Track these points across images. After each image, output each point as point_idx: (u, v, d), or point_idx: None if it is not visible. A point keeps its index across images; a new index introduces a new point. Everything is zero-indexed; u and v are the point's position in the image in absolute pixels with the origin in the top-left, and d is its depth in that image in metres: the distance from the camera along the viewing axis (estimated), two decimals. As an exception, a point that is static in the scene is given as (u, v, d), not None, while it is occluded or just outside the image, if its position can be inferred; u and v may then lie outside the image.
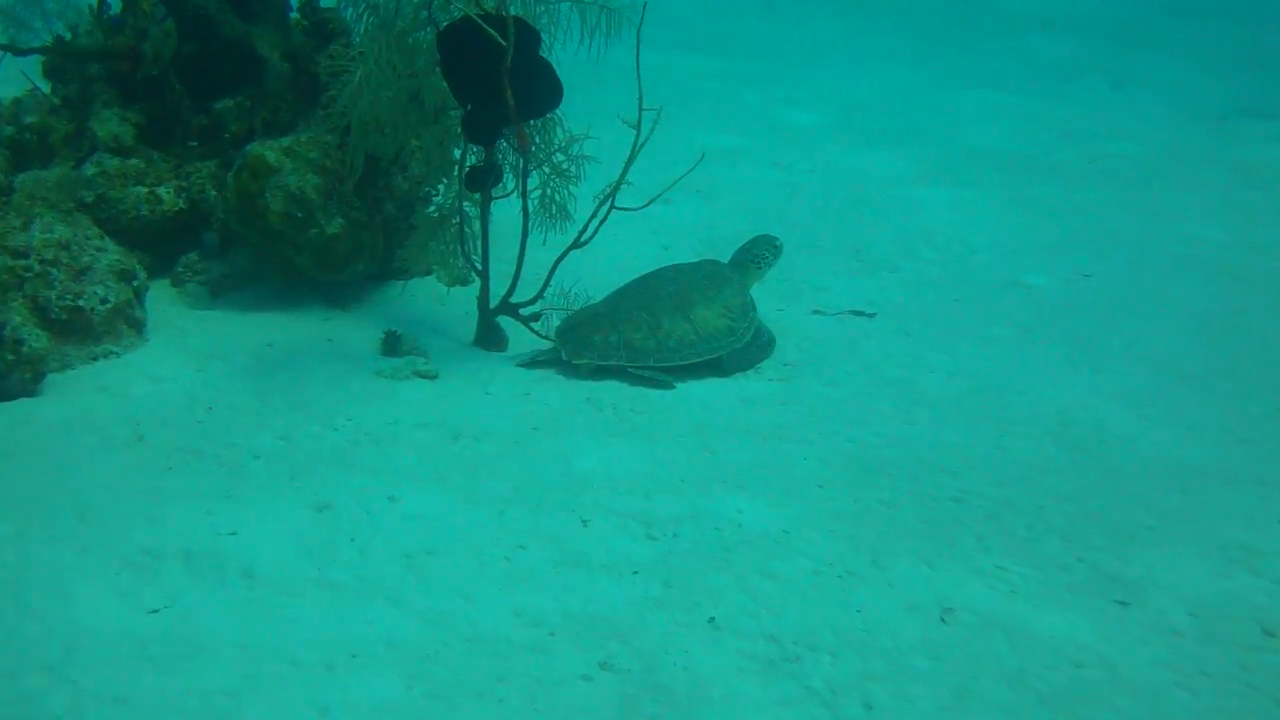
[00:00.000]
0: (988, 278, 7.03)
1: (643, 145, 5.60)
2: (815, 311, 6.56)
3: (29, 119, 6.66)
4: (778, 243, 6.34)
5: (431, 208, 6.43)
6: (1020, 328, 6.38)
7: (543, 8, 5.61)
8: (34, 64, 7.15)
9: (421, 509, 4.39)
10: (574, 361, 5.64)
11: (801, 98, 10.99)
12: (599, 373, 5.64)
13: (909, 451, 5.01)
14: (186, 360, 5.52)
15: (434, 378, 5.54)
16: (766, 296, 6.64)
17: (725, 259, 6.42)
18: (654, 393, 5.52)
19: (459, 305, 6.35)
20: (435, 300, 6.45)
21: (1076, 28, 14.15)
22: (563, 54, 5.55)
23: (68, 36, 7.16)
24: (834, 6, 14.76)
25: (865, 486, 4.73)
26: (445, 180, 6.10)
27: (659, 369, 5.63)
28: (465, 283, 6.51)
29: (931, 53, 12.92)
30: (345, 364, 5.59)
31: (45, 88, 7.19)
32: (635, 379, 5.60)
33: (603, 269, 6.60)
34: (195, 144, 6.84)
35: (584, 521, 4.40)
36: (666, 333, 5.70)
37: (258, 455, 4.74)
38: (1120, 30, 14.12)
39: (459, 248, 5.96)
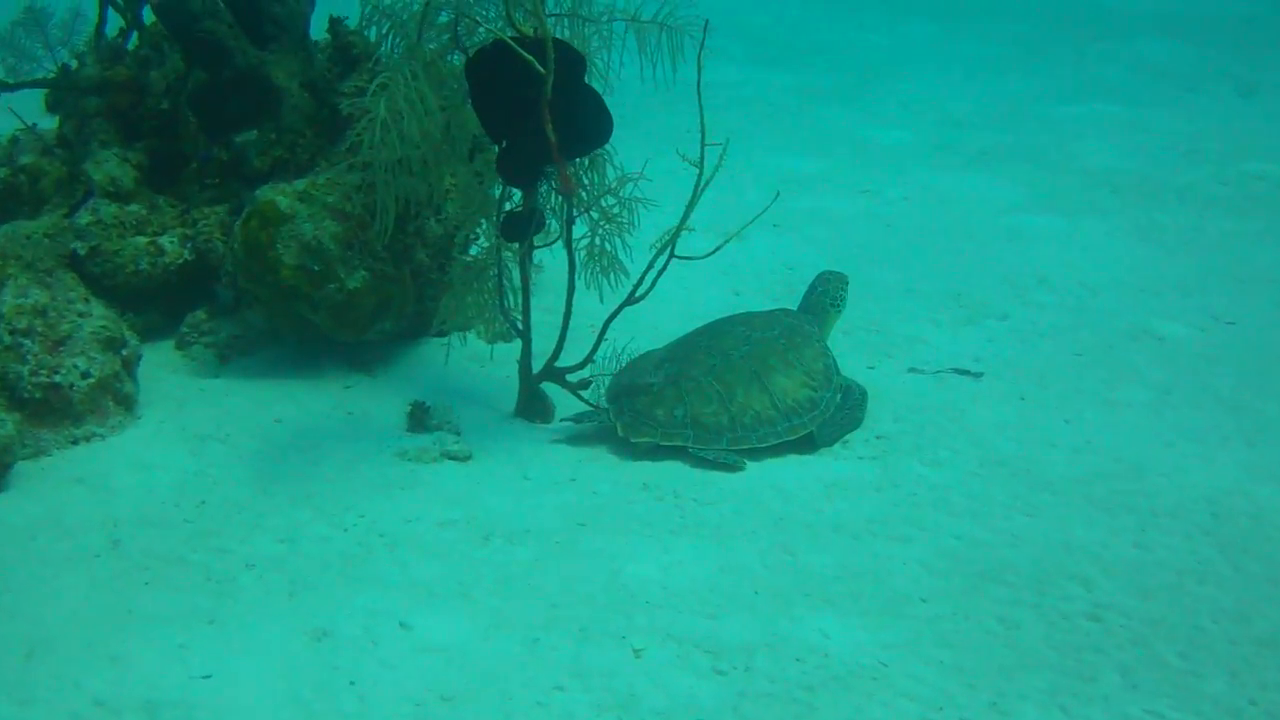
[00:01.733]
0: (1112, 326, 6.30)
1: (706, 185, 4.95)
2: (912, 370, 5.88)
3: (24, 159, 6.18)
4: (846, 277, 5.77)
5: (472, 253, 5.86)
6: (1155, 389, 5.65)
7: (592, 29, 5.02)
8: (36, 97, 6.70)
9: (439, 638, 3.77)
10: (631, 440, 5.01)
11: (890, 114, 10.30)
12: (658, 449, 5.01)
13: (1030, 553, 4.33)
14: (181, 442, 4.96)
15: (466, 459, 4.95)
16: (855, 351, 5.99)
17: (806, 304, 5.79)
18: (723, 476, 4.88)
19: (501, 366, 5.76)
20: (474, 360, 5.86)
21: (1195, 29, 13.30)
22: (623, 72, 5.00)
23: (74, 65, 6.71)
24: (925, 12, 14.03)
25: (979, 599, 4.06)
26: (484, 223, 5.52)
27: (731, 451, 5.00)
28: (509, 339, 5.90)
29: (1034, 60, 12.16)
30: (364, 443, 5.00)
31: (54, 123, 6.74)
32: (700, 459, 4.97)
33: (664, 321, 5.98)
34: (215, 181, 6.33)
35: (636, 651, 3.76)
36: (741, 407, 5.06)
37: (252, 564, 4.15)
38: (1244, 31, 13.26)
39: (497, 302, 5.37)
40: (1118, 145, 9.39)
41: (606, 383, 5.38)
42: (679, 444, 4.99)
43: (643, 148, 5.21)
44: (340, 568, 4.14)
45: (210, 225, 5.91)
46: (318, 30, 6.37)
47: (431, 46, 4.89)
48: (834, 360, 5.37)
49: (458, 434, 5.15)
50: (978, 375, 5.79)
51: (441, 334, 5.95)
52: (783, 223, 7.64)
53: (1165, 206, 8.05)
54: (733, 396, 5.09)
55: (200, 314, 5.83)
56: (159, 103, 6.31)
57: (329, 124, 5.99)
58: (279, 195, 5.48)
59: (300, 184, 5.57)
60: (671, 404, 5.07)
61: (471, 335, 5.94)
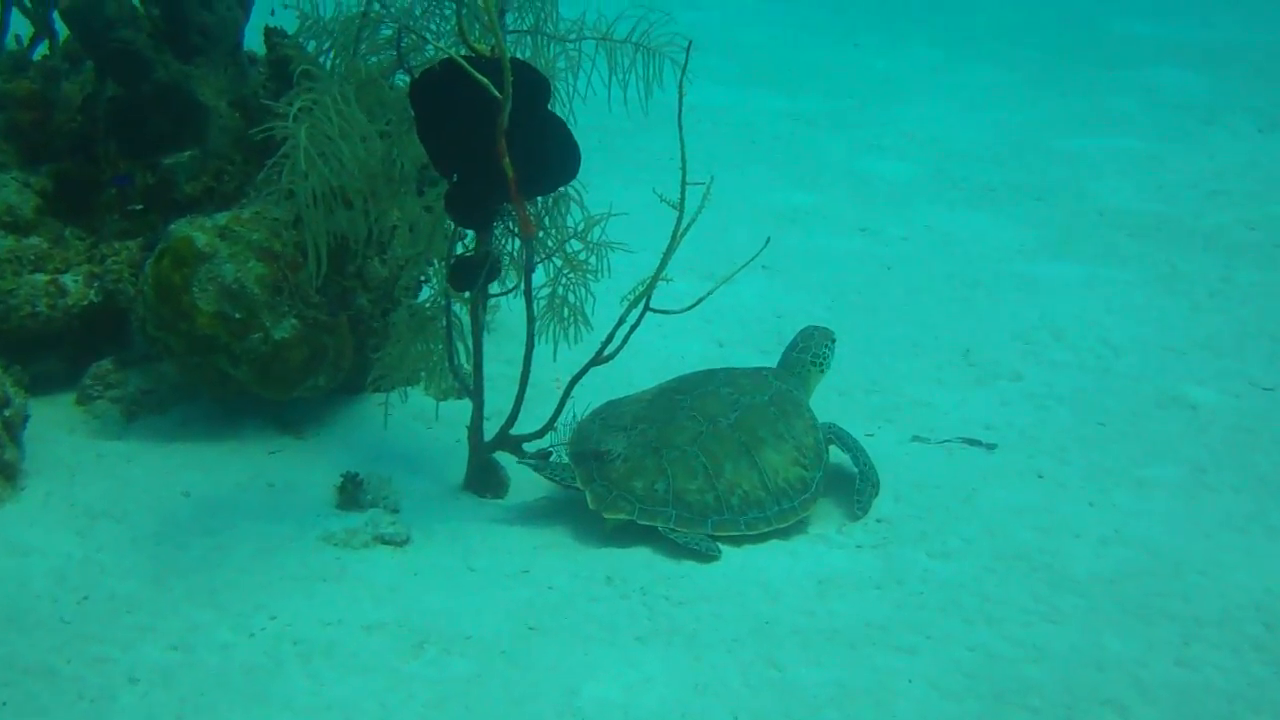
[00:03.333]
0: (1138, 391, 5.80)
1: (687, 229, 4.43)
2: (916, 439, 5.37)
3: (-82, 182, 5.63)
4: (832, 335, 5.27)
5: (422, 296, 5.34)
6: (1188, 465, 5.15)
7: (558, 48, 4.51)
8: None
9: (351, 785, 3.22)
10: (604, 515, 4.48)
11: (890, 144, 9.79)
12: (628, 527, 4.48)
13: (1056, 670, 3.83)
14: (69, 520, 4.41)
15: (403, 544, 4.41)
16: (852, 415, 5.48)
17: (798, 358, 5.28)
18: (698, 567, 4.35)
19: (449, 428, 5.23)
20: (419, 420, 5.34)
21: (1210, 59, 12.83)
22: (591, 95, 4.52)
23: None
24: (926, 35, 13.53)
25: (998, 731, 3.53)
26: (436, 263, 5.00)
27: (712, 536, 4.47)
28: (460, 395, 5.36)
29: (1042, 89, 11.67)
30: (285, 524, 4.46)
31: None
32: (672, 541, 4.44)
33: (638, 375, 5.46)
34: (140, 207, 5.79)
35: (591, 799, 3.22)
36: (728, 485, 4.55)
37: (136, 678, 3.61)
38: (1264, 61, 12.79)
39: (446, 358, 4.84)
40: (1135, 183, 8.90)
41: (570, 433, 4.85)
42: (657, 524, 4.46)
43: (614, 179, 4.70)
44: (242, 684, 3.60)
45: (121, 262, 5.37)
46: (255, 40, 5.86)
47: (373, 60, 4.35)
48: (822, 433, 4.86)
49: (395, 511, 4.62)
50: (990, 447, 5.28)
51: (382, 385, 5.39)
52: (773, 264, 7.12)
53: (1189, 254, 7.55)
54: (720, 472, 4.57)
55: (106, 364, 5.28)
56: (71, 120, 5.77)
57: (261, 148, 5.43)
58: (196, 231, 4.95)
59: (222, 218, 5.04)
60: (652, 476, 4.55)
61: (416, 390, 5.41)
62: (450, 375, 4.87)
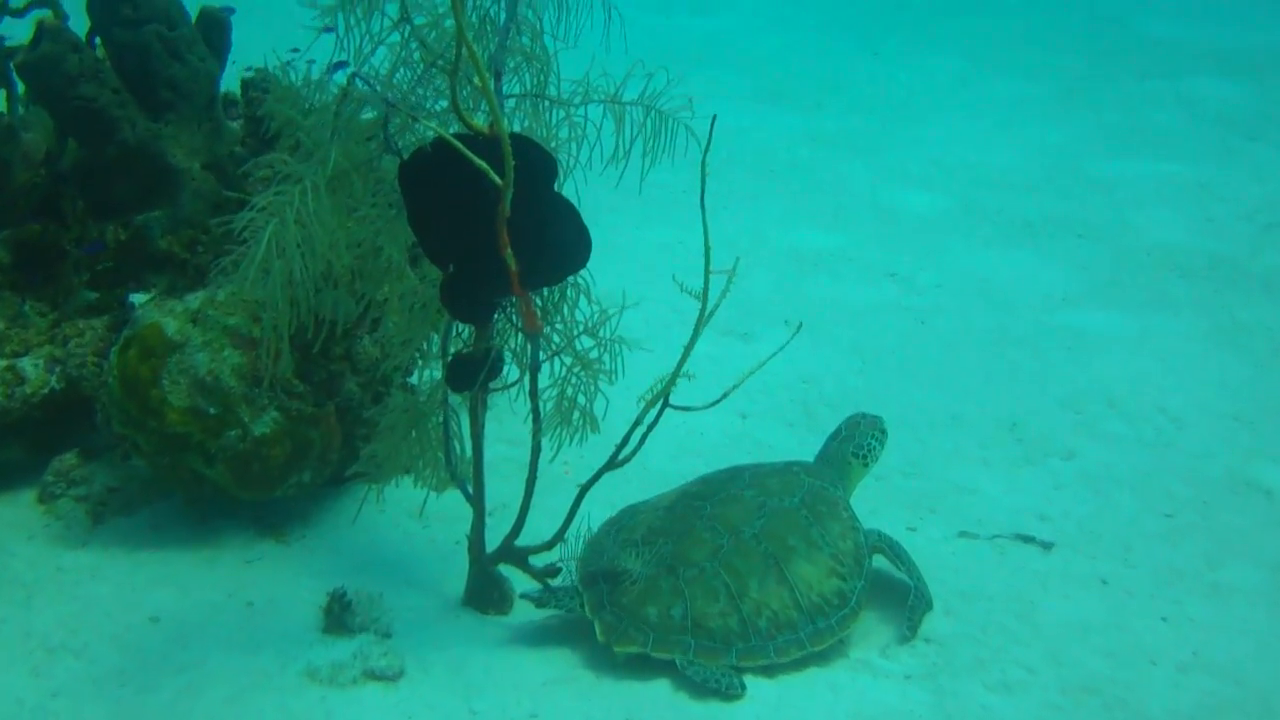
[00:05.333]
0: (1205, 473, 5.40)
1: (710, 316, 4.03)
2: (963, 534, 4.98)
3: None
4: (882, 425, 4.80)
5: (414, 378, 4.96)
6: (1269, 566, 4.78)
7: (561, 113, 4.10)
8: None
9: None
10: (615, 648, 4.09)
11: (916, 170, 9.37)
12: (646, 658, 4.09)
13: (1140, 842, 3.42)
14: (24, 655, 4.01)
15: (395, 679, 4.02)
16: (891, 504, 5.12)
17: (829, 428, 4.90)
18: (725, 708, 3.95)
19: (446, 525, 4.86)
20: (413, 517, 4.93)
21: (1252, 66, 12.38)
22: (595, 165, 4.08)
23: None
24: (949, 45, 13.05)
25: None
26: (423, 350, 4.62)
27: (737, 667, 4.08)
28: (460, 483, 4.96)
29: (1075, 102, 11.23)
30: (264, 655, 4.07)
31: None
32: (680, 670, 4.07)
33: (654, 458, 5.00)
34: (109, 265, 5.43)
35: None
36: (755, 605, 4.15)
37: None
38: (1310, 68, 12.38)
39: (442, 456, 4.44)
40: (1183, 215, 8.48)
41: (581, 549, 4.45)
42: (674, 657, 4.06)
43: (627, 219, 4.28)
44: None
45: (85, 344, 4.97)
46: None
47: (339, 155, 3.90)
48: (864, 535, 4.45)
49: (387, 636, 4.22)
50: (1047, 546, 4.88)
51: (373, 476, 4.98)
52: (796, 318, 6.70)
53: (1249, 300, 7.15)
54: (745, 591, 4.17)
55: (70, 458, 4.89)
56: (34, 176, 5.39)
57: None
58: (166, 317, 4.56)
59: (194, 300, 4.64)
60: (668, 599, 4.15)
61: (408, 479, 5.02)
62: (448, 479, 4.47)
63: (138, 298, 5.44)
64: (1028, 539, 4.92)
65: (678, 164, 4.04)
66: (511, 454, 5.12)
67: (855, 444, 4.72)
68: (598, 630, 4.13)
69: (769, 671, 4.12)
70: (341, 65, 4.11)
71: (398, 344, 4.50)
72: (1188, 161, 9.63)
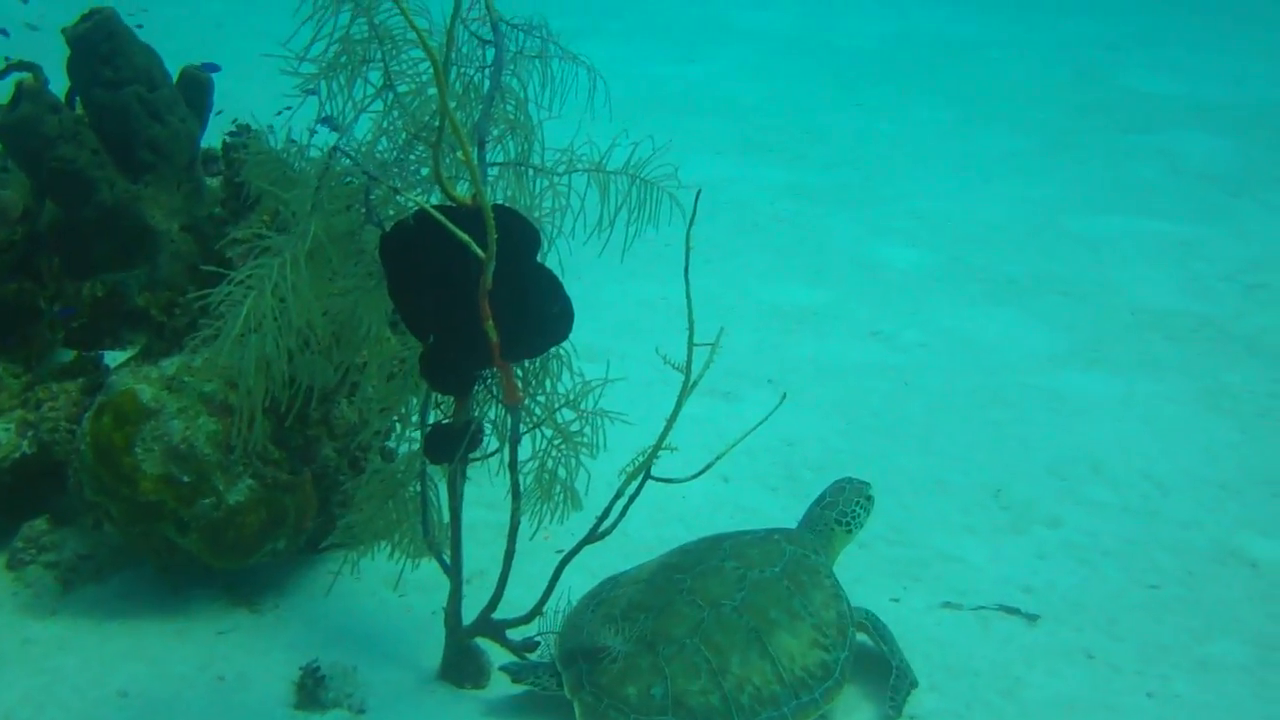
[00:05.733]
0: (1191, 544, 5.37)
1: (693, 388, 3.99)
2: (947, 605, 4.93)
3: None
4: (869, 491, 4.74)
5: (392, 441, 4.90)
6: (1255, 643, 4.73)
7: (545, 181, 4.07)
8: None
9: None
10: None
11: (900, 226, 9.36)
12: (625, 736, 4.04)
13: None
14: (-14, 736, 3.94)
15: (369, 759, 3.94)
16: (874, 572, 5.08)
17: (813, 491, 4.85)
18: (709, 789, 3.89)
19: (423, 595, 4.78)
20: (389, 587, 4.86)
21: (1234, 122, 12.43)
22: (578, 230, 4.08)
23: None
24: (934, 95, 13.07)
25: None
26: (402, 414, 4.56)
27: None
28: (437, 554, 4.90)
29: (1059, 156, 11.26)
30: (235, 733, 3.99)
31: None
32: (663, 754, 4.01)
33: (636, 530, 5.00)
34: (84, 321, 5.39)
35: None
36: (737, 682, 4.09)
37: None
38: (1291, 125, 12.43)
39: (419, 527, 4.39)
40: (1167, 274, 8.48)
41: (560, 621, 4.38)
42: None
43: (609, 277, 4.22)
44: None
45: (59, 409, 4.91)
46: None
47: (321, 228, 3.85)
48: (847, 604, 4.40)
49: (361, 712, 4.17)
50: (1032, 618, 4.83)
51: (349, 545, 4.91)
52: (780, 378, 6.70)
53: (1234, 362, 7.14)
54: (726, 667, 4.11)
55: (40, 524, 4.81)
56: (11, 233, 5.34)
57: (217, 280, 5.00)
58: (140, 383, 4.51)
59: (170, 366, 4.59)
60: (648, 678, 4.09)
61: (385, 549, 4.95)
62: (425, 547, 4.42)
63: (115, 356, 5.41)
64: (1012, 611, 4.88)
65: (661, 217, 4.04)
66: (490, 518, 5.03)
67: (839, 510, 4.68)
68: (577, 711, 4.06)
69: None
70: (328, 120, 4.09)
71: (375, 411, 4.45)
72: (1171, 218, 9.65)
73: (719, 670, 4.10)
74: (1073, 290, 8.21)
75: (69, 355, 5.34)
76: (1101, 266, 8.64)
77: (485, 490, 5.05)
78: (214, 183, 5.76)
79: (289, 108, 4.05)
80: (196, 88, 5.40)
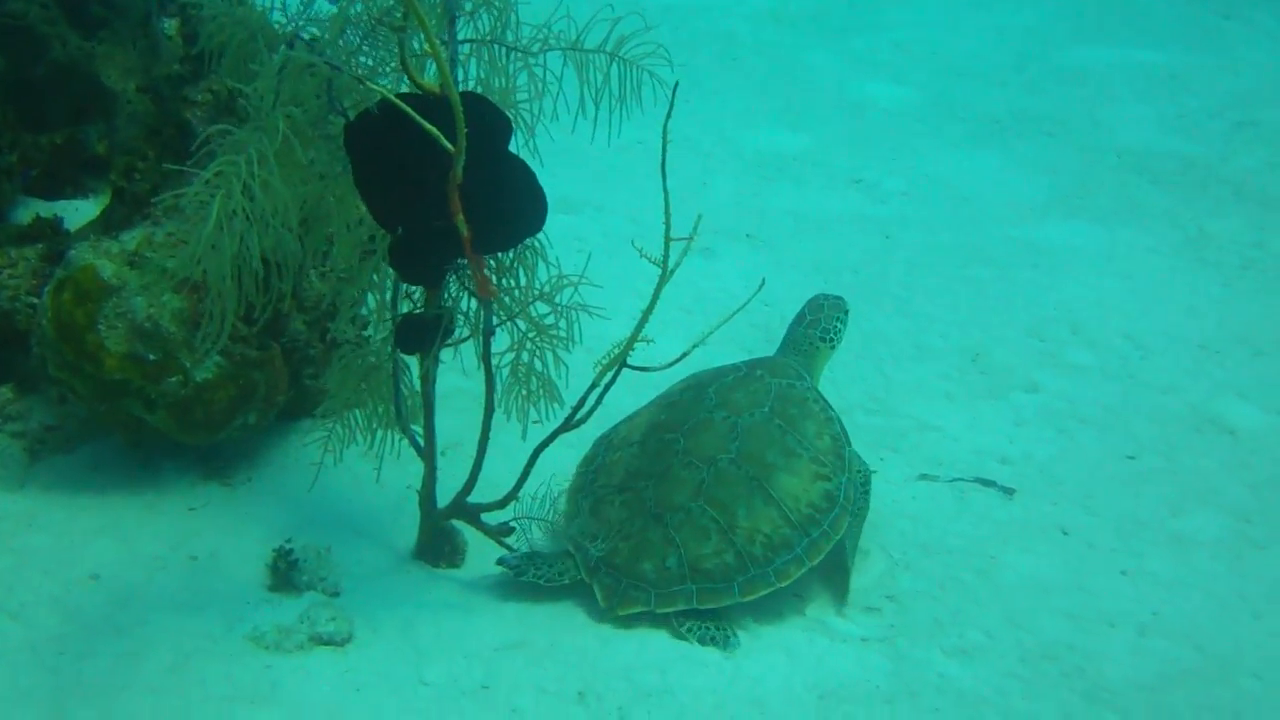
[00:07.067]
0: (1169, 409, 5.37)
1: (667, 279, 3.92)
2: (924, 477, 4.93)
3: None
4: (845, 305, 4.79)
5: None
6: (1231, 514, 4.76)
7: (519, 63, 3.90)
8: None
9: None
10: (618, 613, 4.08)
11: (883, 59, 9.14)
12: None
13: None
14: (-46, 620, 3.92)
15: (344, 644, 3.95)
16: (853, 443, 5.01)
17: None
18: (694, 671, 3.92)
19: (398, 466, 4.70)
20: (365, 458, 4.79)
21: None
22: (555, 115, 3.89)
23: None
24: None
25: None
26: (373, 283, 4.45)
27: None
28: (413, 420, 4.83)
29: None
30: (208, 616, 3.99)
31: None
32: (676, 632, 4.04)
33: (613, 404, 4.91)
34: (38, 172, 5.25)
35: None
36: (747, 534, 4.12)
37: None
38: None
39: (393, 409, 4.33)
40: (1155, 112, 8.33)
41: (534, 530, 4.34)
42: (678, 608, 4.06)
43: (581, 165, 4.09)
44: None
45: (19, 275, 4.78)
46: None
47: (280, 120, 3.66)
48: (839, 424, 4.43)
49: (335, 594, 4.16)
50: (1009, 492, 4.84)
51: (321, 414, 4.85)
52: (757, 232, 6.61)
53: (1219, 208, 7.05)
54: (734, 523, 4.13)
55: (6, 392, 4.74)
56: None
57: (176, 143, 4.84)
58: (101, 259, 4.39)
59: (131, 241, 4.46)
60: (661, 551, 4.12)
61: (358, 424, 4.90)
62: (398, 429, 4.36)
63: (78, 207, 5.29)
64: (988, 483, 4.88)
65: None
66: (465, 385, 4.94)
67: (822, 328, 4.71)
68: (599, 596, 4.12)
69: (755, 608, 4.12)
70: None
71: (342, 280, 4.34)
72: (1160, 47, 9.45)
73: (728, 528, 4.12)
74: (1058, 130, 8.08)
75: (27, 215, 5.21)
76: (1090, 105, 8.48)
77: (461, 356, 4.97)
78: (171, 26, 5.54)
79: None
80: (151, -65, 5.16)
